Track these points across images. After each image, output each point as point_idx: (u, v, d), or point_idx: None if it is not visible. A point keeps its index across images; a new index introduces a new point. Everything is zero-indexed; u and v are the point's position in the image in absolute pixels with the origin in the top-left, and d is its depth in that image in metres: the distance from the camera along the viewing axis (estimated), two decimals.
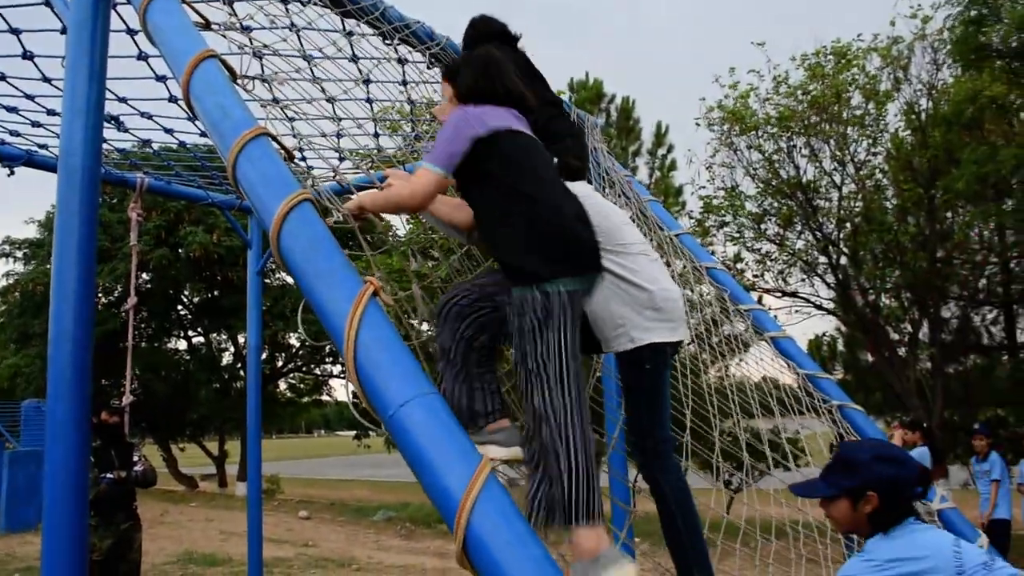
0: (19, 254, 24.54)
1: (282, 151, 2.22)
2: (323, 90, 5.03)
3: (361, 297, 1.78)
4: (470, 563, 1.52)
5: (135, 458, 5.94)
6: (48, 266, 22.35)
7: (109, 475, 5.70)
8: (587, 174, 3.57)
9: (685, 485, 2.88)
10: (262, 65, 3.46)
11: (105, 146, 6.05)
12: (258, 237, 7.68)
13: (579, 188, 2.81)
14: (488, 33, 3.70)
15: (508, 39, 3.73)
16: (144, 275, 22.99)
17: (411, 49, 4.71)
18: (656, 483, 2.86)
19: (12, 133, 5.56)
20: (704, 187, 16.37)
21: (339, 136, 5.78)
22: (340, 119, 5.48)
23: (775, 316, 16.65)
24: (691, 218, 16.07)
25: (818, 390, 4.53)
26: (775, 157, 15.11)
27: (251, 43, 3.37)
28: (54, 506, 2.58)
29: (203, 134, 5.46)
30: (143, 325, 24.94)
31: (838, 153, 14.76)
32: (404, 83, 4.99)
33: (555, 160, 2.68)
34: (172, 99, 5.07)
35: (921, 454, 8.17)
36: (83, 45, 2.78)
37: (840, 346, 20.02)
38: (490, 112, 2.44)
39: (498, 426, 2.50)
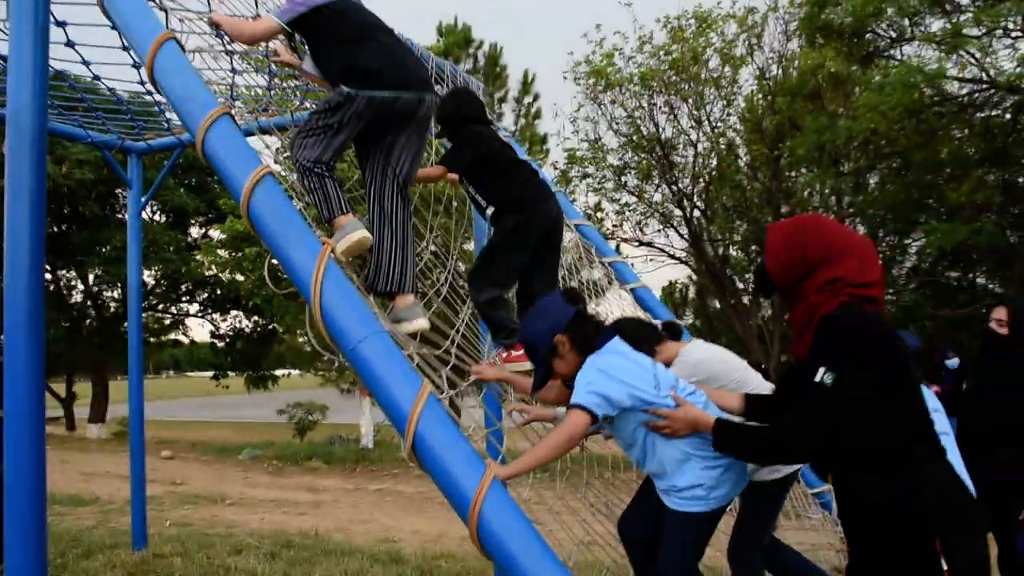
0: None
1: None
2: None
3: (323, 255, 2.23)
4: (417, 458, 2.05)
5: None
6: None
7: None
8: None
9: None
10: None
11: None
12: (139, 177, 7.70)
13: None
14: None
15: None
16: None
17: None
18: None
19: None
20: (568, 139, 17.10)
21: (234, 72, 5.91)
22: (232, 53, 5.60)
23: (632, 264, 17.80)
24: (555, 168, 16.78)
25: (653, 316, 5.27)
26: (636, 114, 15.97)
27: None
28: (18, 443, 2.89)
29: (86, 63, 5.38)
30: None
31: (695, 112, 15.77)
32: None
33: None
34: (58, 23, 4.83)
35: None
36: (27, 20, 2.97)
37: (691, 293, 21.50)
38: None
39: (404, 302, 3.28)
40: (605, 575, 3.92)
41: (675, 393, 2.82)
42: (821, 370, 2.34)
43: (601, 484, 4.15)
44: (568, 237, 5.67)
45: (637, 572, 3.30)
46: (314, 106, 5.50)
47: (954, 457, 3.09)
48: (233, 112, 5.99)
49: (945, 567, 2.33)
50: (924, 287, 15.19)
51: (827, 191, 15.61)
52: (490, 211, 4.28)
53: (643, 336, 3.59)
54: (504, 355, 4.13)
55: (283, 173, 3.62)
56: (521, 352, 4.04)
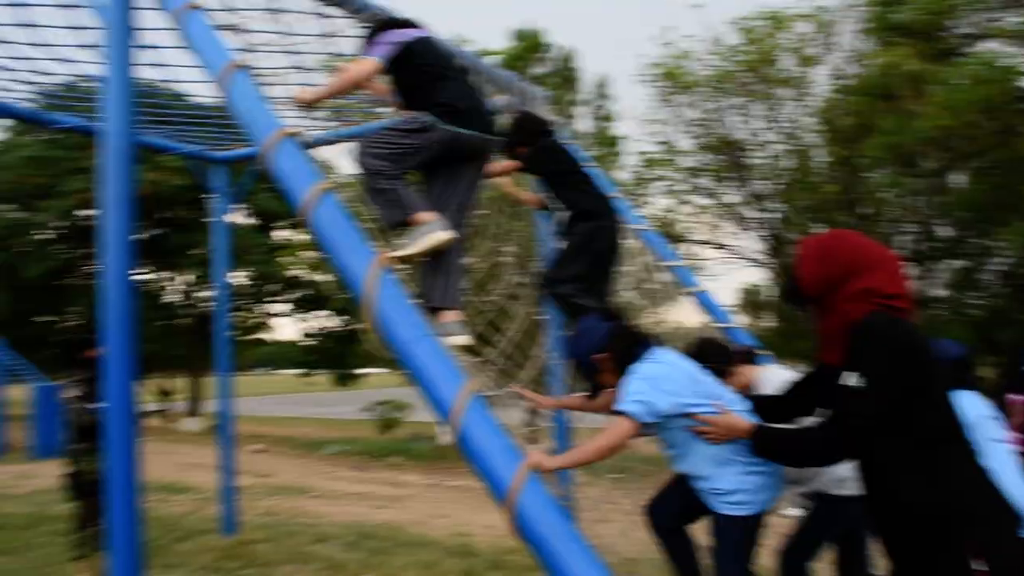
0: None
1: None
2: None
3: (377, 263, 2.44)
4: (461, 449, 2.23)
5: None
6: None
7: (98, 405, 6.23)
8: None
9: None
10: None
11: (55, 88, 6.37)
12: (224, 184, 8.13)
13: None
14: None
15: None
16: (87, 212, 22.92)
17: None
18: None
19: None
20: (640, 141, 17.01)
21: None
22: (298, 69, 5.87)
23: (707, 267, 17.67)
24: (628, 171, 16.77)
25: (733, 340, 5.30)
26: (709, 116, 15.81)
27: None
28: (115, 432, 3.23)
29: (174, 81, 5.79)
30: (87, 261, 24.93)
31: (769, 112, 15.52)
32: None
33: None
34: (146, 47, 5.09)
35: None
36: (118, 48, 3.32)
37: (769, 295, 21.13)
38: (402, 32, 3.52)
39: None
40: (645, 565, 4.07)
41: (721, 403, 2.98)
42: (851, 375, 2.43)
43: (646, 481, 4.28)
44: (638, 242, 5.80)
45: (666, 555, 3.43)
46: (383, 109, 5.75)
47: (1003, 463, 3.10)
48: (308, 122, 6.32)
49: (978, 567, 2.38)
50: (1013, 290, 14.58)
51: (903, 192, 15.09)
52: (564, 216, 4.53)
53: (716, 356, 3.72)
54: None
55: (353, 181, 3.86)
56: None
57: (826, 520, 3.76)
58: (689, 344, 3.92)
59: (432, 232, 3.16)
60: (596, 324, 3.22)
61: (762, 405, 3.10)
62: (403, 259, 3.15)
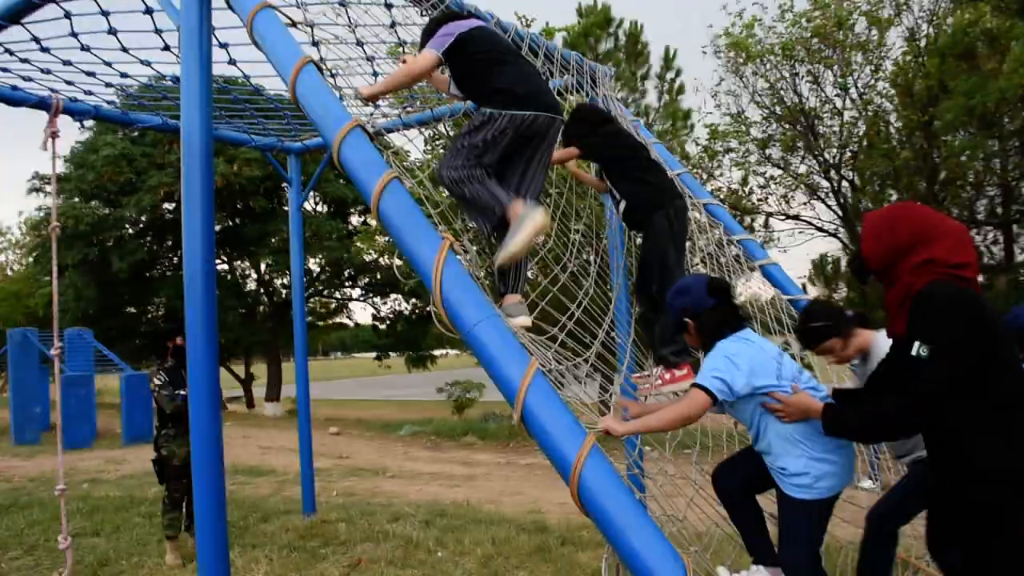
0: (48, 188, 25.32)
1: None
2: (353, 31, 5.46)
3: (443, 248, 2.53)
4: (526, 426, 2.30)
5: None
6: (75, 200, 23.16)
7: (183, 392, 6.54)
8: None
9: None
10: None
11: (135, 90, 6.62)
12: (298, 174, 8.38)
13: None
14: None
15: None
16: (167, 205, 23.71)
17: None
18: None
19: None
20: (711, 113, 16.75)
21: (375, 75, 6.36)
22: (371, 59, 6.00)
23: (779, 237, 17.36)
24: (698, 144, 16.54)
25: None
26: (779, 85, 15.49)
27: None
28: (199, 418, 3.40)
29: (247, 76, 5.98)
30: (169, 254, 25.82)
31: (840, 80, 15.12)
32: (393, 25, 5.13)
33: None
34: (220, 45, 5.28)
35: None
36: (194, 49, 3.46)
37: (844, 266, 20.63)
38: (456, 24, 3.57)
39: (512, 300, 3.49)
40: (714, 538, 4.10)
41: (796, 385, 3.03)
42: (916, 344, 2.42)
43: (716, 456, 4.30)
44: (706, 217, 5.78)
45: (734, 523, 3.47)
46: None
47: None
48: (375, 111, 6.47)
49: None
50: None
51: (982, 156, 14.48)
52: (623, 205, 4.55)
53: (830, 318, 3.73)
54: (667, 376, 4.25)
55: (417, 169, 3.95)
56: (684, 372, 4.24)
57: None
58: (803, 308, 3.95)
59: (528, 218, 3.17)
60: (701, 288, 3.28)
61: (854, 399, 3.10)
62: (515, 257, 3.20)
